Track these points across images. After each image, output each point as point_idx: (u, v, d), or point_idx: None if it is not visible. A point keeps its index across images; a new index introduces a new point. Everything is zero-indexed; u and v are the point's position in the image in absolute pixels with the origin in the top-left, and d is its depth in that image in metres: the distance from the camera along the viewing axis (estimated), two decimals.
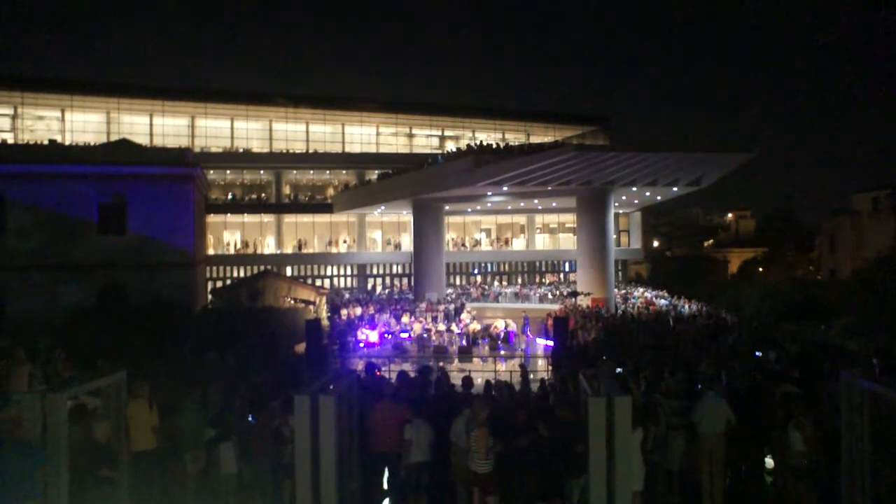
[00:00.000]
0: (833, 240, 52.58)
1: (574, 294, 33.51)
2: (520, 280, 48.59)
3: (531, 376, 18.55)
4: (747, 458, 9.07)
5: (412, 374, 11.04)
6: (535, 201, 40.51)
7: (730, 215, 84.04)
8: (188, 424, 8.89)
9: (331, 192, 48.46)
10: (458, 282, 46.81)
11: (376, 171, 44.84)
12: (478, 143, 40.66)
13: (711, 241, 79.65)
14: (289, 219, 46.93)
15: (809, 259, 64.29)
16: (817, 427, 8.18)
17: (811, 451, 8.04)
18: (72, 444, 6.78)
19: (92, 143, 37.18)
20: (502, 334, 26.99)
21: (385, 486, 8.66)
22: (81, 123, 43.81)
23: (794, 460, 8.11)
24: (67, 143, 40.30)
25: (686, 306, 32.02)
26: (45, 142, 37.67)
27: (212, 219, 42.13)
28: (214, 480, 8.79)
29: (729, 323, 25.42)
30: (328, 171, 49.13)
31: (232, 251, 45.52)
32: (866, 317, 24.73)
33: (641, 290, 40.60)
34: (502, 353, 25.44)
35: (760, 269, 58.36)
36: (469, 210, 44.88)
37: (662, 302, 34.61)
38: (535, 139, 48.56)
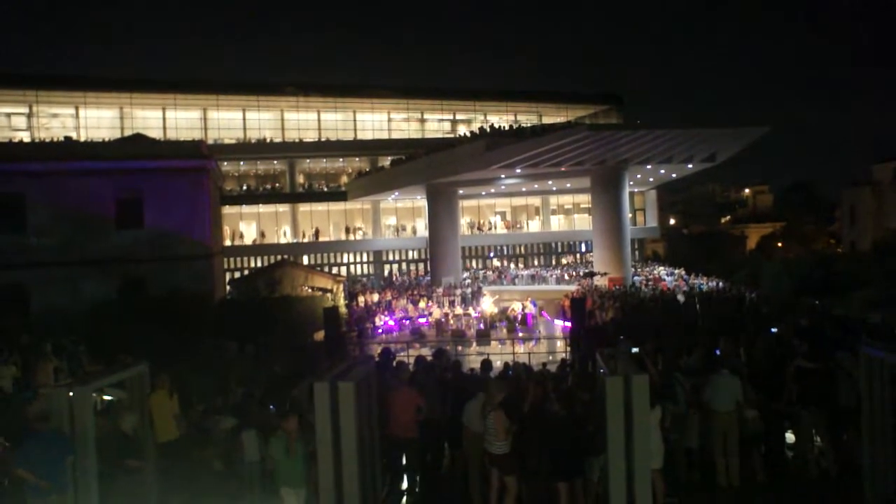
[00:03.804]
0: (853, 211, 51.88)
1: (591, 274, 33.42)
2: (536, 262, 48.47)
3: (550, 357, 18.60)
4: (768, 434, 9.04)
5: (429, 359, 11.10)
6: (550, 182, 40.31)
7: (747, 190, 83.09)
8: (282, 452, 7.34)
9: (344, 179, 48.55)
10: (474, 265, 46.81)
11: (389, 158, 44.80)
12: (490, 125, 40.46)
13: (729, 217, 78.86)
14: (304, 208, 47.12)
15: (829, 232, 63.48)
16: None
17: (759, 419, 8.58)
18: (99, 436, 6.94)
19: (106, 139, 37.46)
20: (519, 316, 27.02)
21: (404, 469, 8.75)
22: (95, 120, 44.15)
23: (747, 427, 8.53)
24: (82, 139, 40.64)
25: (704, 283, 31.81)
26: (61, 139, 38.01)
27: (227, 210, 42.39)
28: (238, 468, 8.92)
29: (747, 300, 25.22)
30: (341, 159, 49.15)
31: (248, 242, 45.83)
32: (889, 288, 24.42)
33: (661, 268, 40.35)
34: (520, 335, 25.50)
35: (779, 244, 57.80)
36: (483, 193, 44.77)
37: (669, 279, 34.41)
38: (547, 120, 48.19)
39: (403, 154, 42.45)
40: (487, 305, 29.65)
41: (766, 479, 8.61)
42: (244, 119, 46.95)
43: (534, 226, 50.15)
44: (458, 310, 28.56)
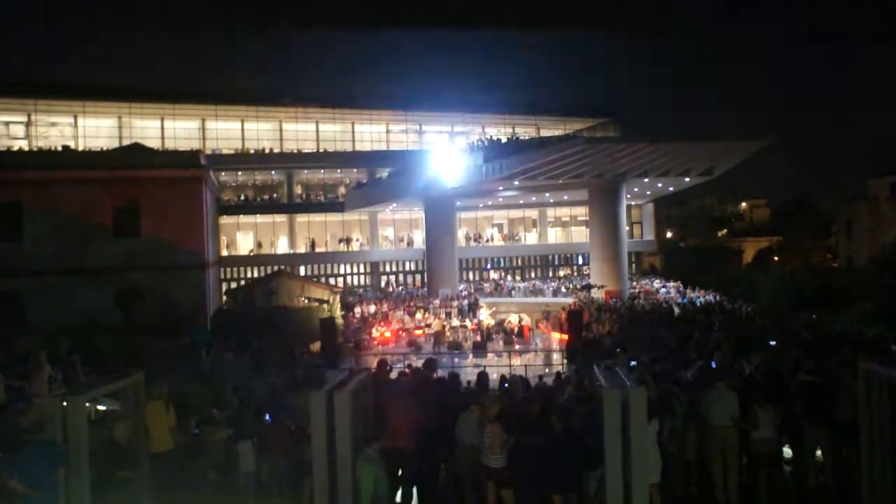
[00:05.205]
0: (850, 226, 51.95)
1: (588, 287, 33.41)
2: (533, 274, 48.45)
3: (546, 370, 18.55)
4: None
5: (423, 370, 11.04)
6: (547, 195, 40.39)
7: (744, 204, 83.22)
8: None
9: (342, 190, 48.57)
10: (471, 277, 46.77)
11: (387, 169, 44.85)
12: (488, 138, 40.56)
13: (725, 230, 78.97)
14: (301, 218, 47.06)
15: (826, 246, 63.59)
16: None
17: (772, 437, 8.39)
18: (92, 446, 6.88)
19: (105, 148, 37.45)
20: (516, 329, 26.96)
21: (399, 481, 8.68)
22: (94, 129, 44.17)
23: (756, 447, 8.38)
24: (80, 148, 40.61)
25: (700, 297, 31.82)
26: (59, 148, 38.00)
27: (224, 220, 42.35)
28: (233, 479, 8.86)
29: (744, 314, 25.23)
30: (339, 170, 49.22)
31: (245, 252, 45.76)
32: (885, 303, 24.46)
33: (656, 281, 40.39)
34: (517, 347, 25.43)
35: (776, 258, 57.91)
36: (480, 205, 44.81)
37: (663, 291, 34.45)
38: (545, 133, 48.32)
39: (401, 165, 42.46)
40: (484, 317, 29.61)
41: (766, 495, 8.54)
42: (243, 129, 47.02)
43: (531, 238, 50.18)
44: (455, 321, 28.48)
